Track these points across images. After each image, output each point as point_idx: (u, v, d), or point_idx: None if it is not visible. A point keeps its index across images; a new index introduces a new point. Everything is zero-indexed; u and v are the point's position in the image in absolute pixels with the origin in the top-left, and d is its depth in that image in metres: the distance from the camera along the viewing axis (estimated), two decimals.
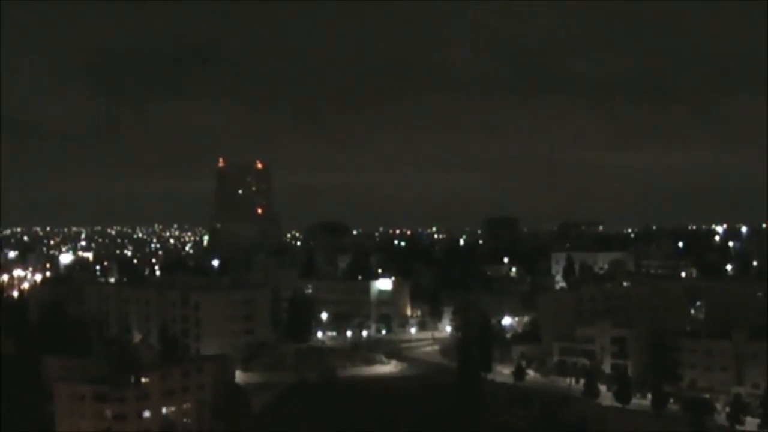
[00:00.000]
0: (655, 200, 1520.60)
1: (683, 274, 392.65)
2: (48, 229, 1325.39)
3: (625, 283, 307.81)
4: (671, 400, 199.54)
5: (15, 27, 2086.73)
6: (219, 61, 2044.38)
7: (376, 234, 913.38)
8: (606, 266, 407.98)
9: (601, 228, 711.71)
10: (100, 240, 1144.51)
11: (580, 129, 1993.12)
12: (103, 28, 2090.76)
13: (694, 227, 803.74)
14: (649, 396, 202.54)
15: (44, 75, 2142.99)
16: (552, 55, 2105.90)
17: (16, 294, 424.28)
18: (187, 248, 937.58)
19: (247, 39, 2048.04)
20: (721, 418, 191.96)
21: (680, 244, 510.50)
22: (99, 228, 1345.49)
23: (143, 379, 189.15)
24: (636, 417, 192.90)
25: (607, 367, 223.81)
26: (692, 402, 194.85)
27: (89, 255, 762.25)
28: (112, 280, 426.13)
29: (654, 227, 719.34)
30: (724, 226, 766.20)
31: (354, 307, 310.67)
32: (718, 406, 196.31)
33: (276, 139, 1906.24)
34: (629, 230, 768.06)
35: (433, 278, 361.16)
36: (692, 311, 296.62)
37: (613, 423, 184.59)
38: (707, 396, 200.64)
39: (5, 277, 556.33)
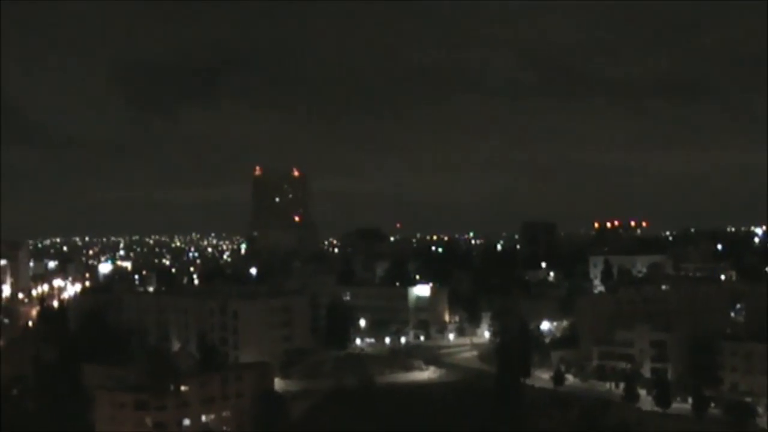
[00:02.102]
0: (693, 202, 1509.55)
1: (722, 277, 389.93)
2: (87, 239, 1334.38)
3: (663, 287, 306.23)
4: (712, 404, 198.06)
5: (49, 39, 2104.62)
6: (252, 69, 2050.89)
7: (413, 240, 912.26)
8: (644, 269, 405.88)
9: (638, 231, 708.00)
10: (138, 249, 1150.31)
11: (615, 131, 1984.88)
12: (135, 38, 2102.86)
13: (733, 229, 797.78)
14: (690, 400, 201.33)
15: (79, 86, 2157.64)
16: (583, 58, 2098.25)
17: (56, 304, 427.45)
18: (224, 257, 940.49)
19: (279, 47, 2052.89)
20: (762, 421, 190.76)
21: (719, 246, 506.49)
22: (137, 237, 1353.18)
23: (183, 388, 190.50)
24: (676, 421, 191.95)
25: (646, 371, 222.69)
26: (733, 405, 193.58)
27: (128, 264, 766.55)
28: (151, 289, 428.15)
29: (692, 229, 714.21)
30: (764, 227, 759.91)
31: (392, 314, 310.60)
32: (760, 409, 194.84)
33: (311, 147, 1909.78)
34: (667, 233, 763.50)
35: (471, 284, 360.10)
36: (732, 314, 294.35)
37: (654, 427, 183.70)
38: (748, 399, 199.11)
39: (46, 287, 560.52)
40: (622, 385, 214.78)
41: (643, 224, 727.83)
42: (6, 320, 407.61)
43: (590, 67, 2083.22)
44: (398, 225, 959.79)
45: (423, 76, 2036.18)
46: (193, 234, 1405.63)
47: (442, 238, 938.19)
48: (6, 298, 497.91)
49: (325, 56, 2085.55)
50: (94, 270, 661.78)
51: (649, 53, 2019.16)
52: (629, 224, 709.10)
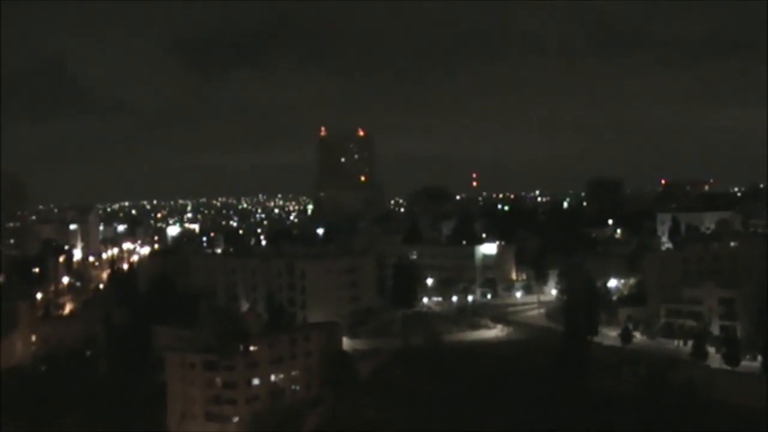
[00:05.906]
0: (762, 158, 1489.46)
1: None
2: (155, 202, 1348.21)
3: (732, 243, 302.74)
4: None
5: (102, 9, 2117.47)
6: (315, 32, 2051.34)
7: (479, 199, 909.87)
8: (712, 226, 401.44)
9: (706, 187, 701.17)
10: (205, 212, 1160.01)
11: (681, 89, 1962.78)
12: (191, 4, 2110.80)
13: None
14: (759, 358, 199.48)
15: (145, 55, 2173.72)
16: (645, 16, 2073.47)
17: (126, 266, 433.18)
18: (291, 217, 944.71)
19: (341, 9, 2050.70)
20: None
21: None
22: (204, 200, 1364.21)
23: (251, 348, 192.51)
24: (745, 380, 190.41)
25: (715, 329, 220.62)
26: None
27: (196, 227, 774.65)
28: (219, 250, 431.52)
29: (761, 185, 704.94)
30: None
31: (459, 272, 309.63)
32: None
33: (376, 108, 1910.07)
34: (736, 189, 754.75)
35: (538, 242, 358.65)
36: None
37: (722, 385, 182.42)
38: None
39: (116, 251, 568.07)
40: (690, 343, 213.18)
41: (711, 181, 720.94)
42: (78, 283, 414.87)
43: (654, 26, 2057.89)
44: (474, 183, 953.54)
45: (479, 38, 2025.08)
46: (260, 195, 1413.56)
47: (508, 197, 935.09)
48: (77, 261, 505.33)
49: (382, 18, 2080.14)
50: (162, 233, 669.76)
51: (704, 8, 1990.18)
52: (697, 181, 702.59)
